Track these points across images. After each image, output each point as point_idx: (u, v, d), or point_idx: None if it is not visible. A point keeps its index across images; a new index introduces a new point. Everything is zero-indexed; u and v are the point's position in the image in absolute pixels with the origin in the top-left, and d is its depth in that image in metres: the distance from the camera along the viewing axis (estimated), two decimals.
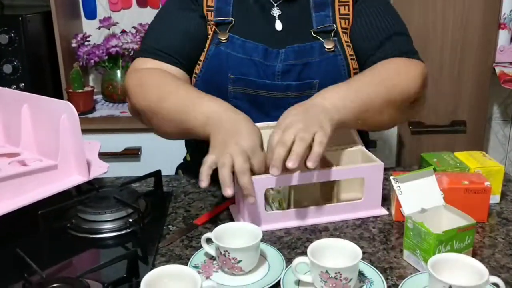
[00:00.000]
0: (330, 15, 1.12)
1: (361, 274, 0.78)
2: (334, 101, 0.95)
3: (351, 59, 1.12)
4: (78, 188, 1.02)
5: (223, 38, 1.09)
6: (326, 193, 0.99)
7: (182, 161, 1.36)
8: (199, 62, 1.13)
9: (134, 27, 2.09)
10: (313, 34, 1.10)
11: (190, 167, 1.28)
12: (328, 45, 1.09)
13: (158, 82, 1.06)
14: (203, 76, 1.12)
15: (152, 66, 1.10)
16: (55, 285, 0.72)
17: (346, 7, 1.12)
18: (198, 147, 1.20)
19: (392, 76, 1.03)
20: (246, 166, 0.87)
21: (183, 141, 1.63)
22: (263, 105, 1.10)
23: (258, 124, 0.98)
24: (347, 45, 1.12)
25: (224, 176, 0.85)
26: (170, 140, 1.83)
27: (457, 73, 2.04)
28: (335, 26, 1.11)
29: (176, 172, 1.34)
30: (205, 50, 1.12)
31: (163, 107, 1.02)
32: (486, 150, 2.35)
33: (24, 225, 0.93)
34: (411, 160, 2.08)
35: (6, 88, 1.05)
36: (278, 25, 1.12)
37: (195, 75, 1.13)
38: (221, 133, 0.92)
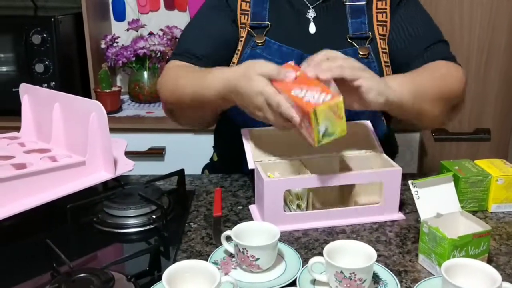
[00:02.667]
0: (366, 22, 1.13)
1: (375, 276, 0.80)
2: (395, 85, 0.97)
3: (386, 66, 1.13)
4: (104, 184, 1.06)
5: (259, 42, 1.12)
6: (344, 196, 1.01)
7: (208, 161, 1.39)
8: (232, 63, 1.16)
9: (161, 29, 2.13)
10: (348, 40, 1.12)
11: (216, 167, 1.31)
12: (362, 52, 1.11)
13: (176, 70, 1.12)
14: None
15: None
16: (81, 275, 0.76)
17: (384, 14, 1.14)
18: (226, 147, 1.23)
19: (443, 75, 1.09)
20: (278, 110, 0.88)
21: (209, 142, 1.67)
22: None
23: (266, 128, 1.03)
24: (383, 52, 1.13)
25: (276, 123, 0.90)
26: (193, 141, 1.89)
27: (482, 79, 2.02)
28: (371, 34, 1.13)
29: (203, 172, 1.37)
30: (239, 52, 1.15)
31: (183, 93, 1.06)
32: (511, 160, 2.32)
33: (54, 218, 0.97)
34: (432, 167, 2.08)
35: (39, 87, 1.10)
36: (312, 28, 1.14)
37: None
38: (238, 91, 0.93)
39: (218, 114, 1.12)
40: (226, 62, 1.16)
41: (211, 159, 1.37)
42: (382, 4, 1.14)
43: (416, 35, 1.14)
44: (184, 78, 1.08)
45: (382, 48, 1.13)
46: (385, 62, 1.13)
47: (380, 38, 1.13)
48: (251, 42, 1.13)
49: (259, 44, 1.12)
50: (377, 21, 1.14)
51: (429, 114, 1.07)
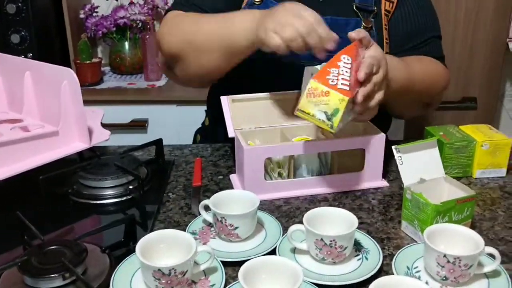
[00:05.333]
0: None
1: (357, 243, 0.78)
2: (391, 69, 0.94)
3: (386, 43, 1.11)
4: (80, 155, 1.03)
5: (257, 0, 1.07)
6: (327, 163, 0.99)
7: (200, 125, 1.35)
8: None
9: None
10: (354, 9, 1.08)
11: (208, 131, 1.29)
12: (366, 24, 1.08)
13: (191, 16, 1.04)
14: None
15: None
16: (53, 247, 0.73)
17: None
18: (218, 111, 1.18)
19: (433, 73, 1.10)
20: (311, 25, 0.84)
21: (192, 113, 1.63)
22: (286, 70, 1.08)
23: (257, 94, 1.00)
24: (385, 29, 1.11)
25: (300, 47, 0.84)
26: (176, 113, 1.85)
27: (469, 48, 2.00)
28: (376, 8, 1.10)
29: (195, 137, 1.34)
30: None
31: (200, 30, 0.99)
32: (497, 128, 2.31)
33: (26, 190, 0.94)
34: (419, 136, 2.06)
35: (8, 54, 1.05)
36: None
37: None
38: (270, 19, 0.87)
39: (232, 64, 1.02)
40: None
41: (203, 123, 1.34)
42: None
43: (417, 26, 1.13)
44: (205, 22, 1.00)
45: (384, 24, 1.10)
46: (385, 39, 1.11)
47: (384, 14, 1.11)
48: (250, 0, 1.07)
49: (256, 3, 1.06)
50: None
51: (408, 104, 1.10)
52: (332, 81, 0.82)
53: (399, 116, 1.23)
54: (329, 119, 0.82)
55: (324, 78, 0.83)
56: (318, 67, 0.89)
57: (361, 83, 0.85)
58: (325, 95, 0.82)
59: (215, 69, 1.03)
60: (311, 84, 0.82)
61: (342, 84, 0.82)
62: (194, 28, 1.01)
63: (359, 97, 0.85)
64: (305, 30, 0.84)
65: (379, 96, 0.88)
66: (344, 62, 0.85)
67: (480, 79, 2.06)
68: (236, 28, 0.94)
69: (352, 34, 0.88)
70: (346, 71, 0.84)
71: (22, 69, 1.01)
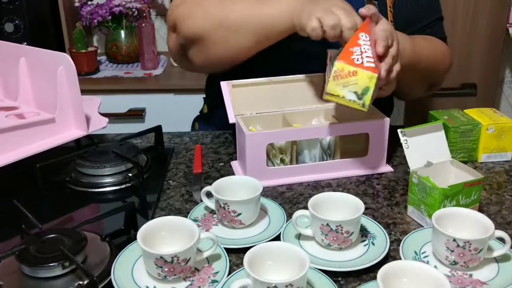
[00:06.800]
0: None
1: (363, 229, 0.76)
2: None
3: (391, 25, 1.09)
4: (77, 142, 1.00)
5: None
6: (329, 148, 0.97)
7: (198, 113, 1.33)
8: None
9: None
10: None
11: (207, 119, 1.26)
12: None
13: None
14: None
15: None
16: (51, 235, 0.71)
17: None
18: (216, 98, 1.17)
19: (438, 51, 1.11)
20: (354, 20, 0.85)
21: (189, 102, 1.61)
22: (291, 57, 1.05)
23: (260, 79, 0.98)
24: (390, 11, 1.09)
25: (335, 37, 0.85)
26: (174, 101, 1.83)
27: (469, 34, 1.98)
28: None
29: (193, 125, 1.32)
30: None
31: (234, 11, 0.96)
32: None
33: (22, 178, 0.92)
34: (419, 122, 2.04)
35: (2, 41, 1.03)
36: None
37: None
38: (314, 5, 0.87)
39: (263, 47, 0.99)
40: None
41: (201, 111, 1.31)
42: None
43: (422, 9, 1.12)
44: (237, 2, 0.96)
45: (389, 7, 1.08)
46: (390, 21, 1.09)
47: None
48: None
49: None
50: None
51: (414, 82, 1.09)
52: (357, 60, 0.81)
53: (404, 96, 1.21)
54: (359, 98, 0.81)
55: (348, 58, 0.81)
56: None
57: (380, 58, 0.84)
58: (353, 75, 0.81)
59: (244, 51, 0.99)
60: (337, 66, 0.81)
61: (367, 62, 0.81)
62: (224, 8, 0.97)
63: (383, 72, 0.83)
64: (348, 23, 0.84)
65: (397, 67, 0.88)
66: (363, 40, 0.83)
67: (480, 65, 2.05)
68: (275, 10, 0.92)
69: (363, 11, 0.87)
70: (368, 49, 0.82)
71: (16, 55, 0.98)
